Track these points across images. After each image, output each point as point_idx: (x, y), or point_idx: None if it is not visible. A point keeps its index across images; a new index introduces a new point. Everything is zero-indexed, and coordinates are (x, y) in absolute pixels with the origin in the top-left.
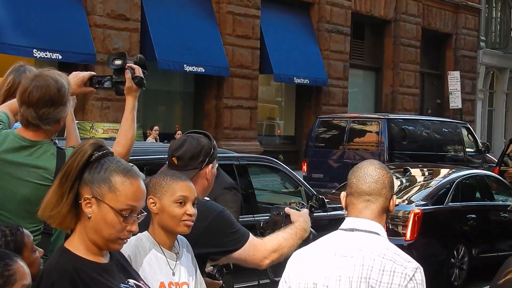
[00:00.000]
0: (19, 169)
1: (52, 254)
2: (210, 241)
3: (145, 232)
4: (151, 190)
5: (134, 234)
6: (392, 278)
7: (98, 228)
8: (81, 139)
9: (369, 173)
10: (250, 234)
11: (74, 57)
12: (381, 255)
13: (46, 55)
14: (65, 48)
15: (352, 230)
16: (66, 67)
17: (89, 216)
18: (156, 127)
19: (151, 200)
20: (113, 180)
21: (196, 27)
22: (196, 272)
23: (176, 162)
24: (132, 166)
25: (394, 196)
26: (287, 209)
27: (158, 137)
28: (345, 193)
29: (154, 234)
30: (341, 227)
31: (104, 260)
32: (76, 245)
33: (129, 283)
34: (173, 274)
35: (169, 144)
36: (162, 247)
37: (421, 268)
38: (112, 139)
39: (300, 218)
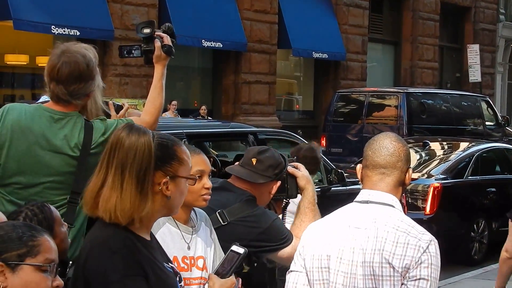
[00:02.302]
0: (52, 142)
1: (98, 224)
2: (266, 240)
3: None
4: None
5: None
6: (406, 250)
7: (175, 203)
8: None
9: (384, 146)
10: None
11: (92, 33)
12: (395, 227)
13: (64, 31)
14: (83, 24)
15: (366, 202)
16: (84, 43)
17: (169, 197)
18: (174, 102)
19: None
20: (177, 153)
21: (214, 2)
22: (215, 245)
23: (254, 163)
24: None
25: (410, 169)
26: (290, 170)
27: (177, 113)
28: (361, 166)
29: None
30: (356, 199)
31: (148, 238)
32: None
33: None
34: (189, 248)
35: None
36: (176, 221)
37: (436, 240)
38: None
39: (309, 186)
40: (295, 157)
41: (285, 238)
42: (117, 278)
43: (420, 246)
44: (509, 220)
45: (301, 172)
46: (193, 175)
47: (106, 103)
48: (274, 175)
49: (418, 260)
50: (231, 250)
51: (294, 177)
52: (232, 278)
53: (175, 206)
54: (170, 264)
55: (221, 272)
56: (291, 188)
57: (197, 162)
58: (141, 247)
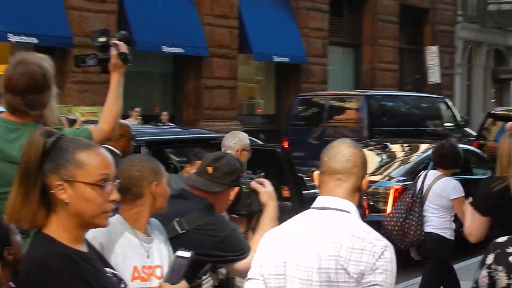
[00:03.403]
0: (8, 152)
1: (33, 242)
2: (224, 249)
3: (117, 216)
4: (151, 176)
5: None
6: (361, 256)
7: (80, 210)
8: None
9: (340, 152)
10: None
11: (50, 41)
12: (350, 233)
13: (21, 39)
14: (41, 32)
15: (323, 208)
16: (43, 51)
17: (67, 202)
18: (137, 109)
19: (155, 186)
20: (77, 157)
21: (174, 8)
22: (169, 254)
23: (211, 171)
24: None
25: (367, 175)
26: (254, 185)
27: (140, 119)
28: (318, 172)
29: (133, 218)
30: (312, 205)
31: (85, 249)
32: (59, 234)
33: (107, 271)
34: (148, 257)
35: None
36: (136, 231)
37: (392, 246)
38: (90, 122)
39: (270, 202)
40: (263, 173)
41: (243, 249)
42: None
43: (375, 252)
44: (470, 204)
45: (264, 188)
46: (96, 182)
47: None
48: (231, 182)
49: (373, 266)
50: (177, 256)
51: (257, 193)
52: (183, 283)
53: (85, 214)
54: (112, 270)
55: (171, 279)
56: (253, 203)
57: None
58: (80, 260)
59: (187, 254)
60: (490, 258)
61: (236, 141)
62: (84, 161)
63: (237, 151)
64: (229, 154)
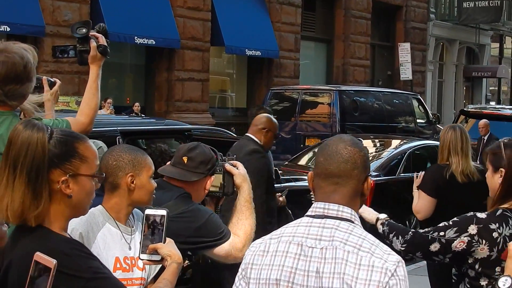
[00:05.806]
0: None
1: (31, 235)
2: (203, 235)
3: (99, 207)
4: (128, 167)
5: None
6: (371, 273)
7: (80, 202)
8: None
9: (338, 151)
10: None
11: (22, 29)
12: (356, 246)
13: None
14: (13, 20)
15: (321, 217)
16: (15, 39)
17: (70, 196)
18: (109, 100)
19: (130, 178)
20: (79, 150)
21: None
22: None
23: (186, 161)
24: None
25: (369, 178)
26: (228, 167)
27: (113, 109)
28: (312, 174)
29: (114, 209)
30: (308, 213)
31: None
32: (52, 225)
33: None
34: (129, 248)
35: (125, 116)
36: (117, 222)
37: (403, 261)
38: (64, 111)
39: (245, 184)
40: (235, 156)
41: (222, 233)
42: (89, 275)
43: (388, 269)
44: (418, 188)
45: (238, 170)
46: (99, 174)
47: (39, 79)
48: (207, 171)
49: (385, 286)
50: (149, 215)
51: (231, 175)
52: (170, 239)
53: (82, 205)
54: None
55: (157, 240)
56: (227, 185)
57: (151, 163)
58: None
59: (161, 211)
60: (473, 229)
61: None
62: (85, 154)
63: None
64: (202, 144)
